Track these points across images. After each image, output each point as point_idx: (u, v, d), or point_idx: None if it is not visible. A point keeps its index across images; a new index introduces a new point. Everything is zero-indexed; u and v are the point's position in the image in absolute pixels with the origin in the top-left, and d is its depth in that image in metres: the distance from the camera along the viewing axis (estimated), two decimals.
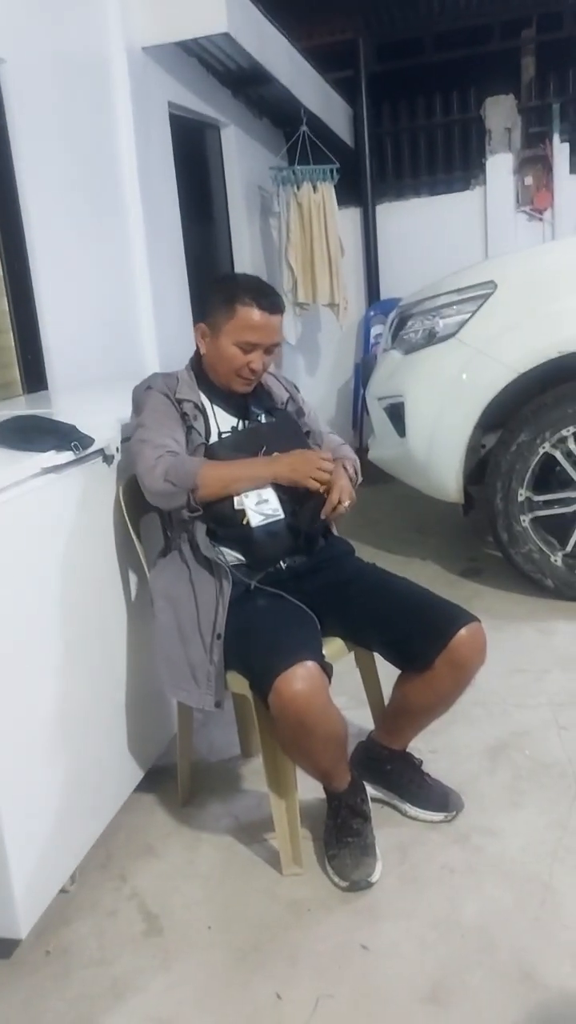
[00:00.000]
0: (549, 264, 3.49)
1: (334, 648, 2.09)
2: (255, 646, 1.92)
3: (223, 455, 2.08)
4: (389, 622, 2.05)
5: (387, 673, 2.16)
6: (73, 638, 1.99)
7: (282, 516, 2.07)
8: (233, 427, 2.19)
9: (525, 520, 3.37)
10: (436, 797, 2.21)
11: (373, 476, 3.61)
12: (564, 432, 3.27)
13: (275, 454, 2.08)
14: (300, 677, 1.79)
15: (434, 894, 1.94)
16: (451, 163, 6.40)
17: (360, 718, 2.42)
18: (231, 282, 2.20)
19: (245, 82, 4.82)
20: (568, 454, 3.30)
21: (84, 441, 2.00)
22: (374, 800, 2.16)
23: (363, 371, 6.02)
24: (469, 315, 3.38)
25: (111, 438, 2.17)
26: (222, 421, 2.18)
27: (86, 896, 2.05)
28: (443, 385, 3.41)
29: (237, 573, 2.07)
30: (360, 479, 2.25)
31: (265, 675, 1.82)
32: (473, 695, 2.38)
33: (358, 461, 2.29)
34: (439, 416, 3.42)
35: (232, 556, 2.11)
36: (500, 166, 6.12)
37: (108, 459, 2.16)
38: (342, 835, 2.04)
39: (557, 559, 3.38)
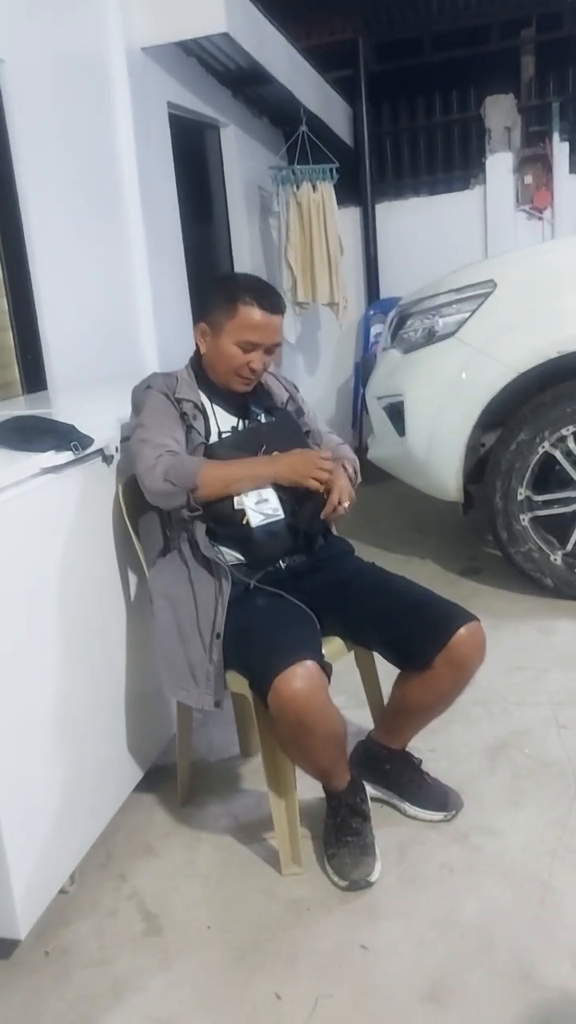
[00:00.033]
0: (549, 263, 3.49)
1: (333, 647, 2.09)
2: (254, 645, 1.92)
3: (223, 455, 2.08)
4: (388, 621, 2.05)
5: (386, 672, 2.16)
6: (72, 638, 1.99)
7: (282, 516, 2.07)
8: (233, 427, 2.19)
9: (525, 519, 3.37)
10: (435, 796, 2.21)
11: (372, 475, 3.60)
12: (564, 431, 3.27)
13: (275, 454, 2.08)
14: (299, 676, 1.79)
15: (433, 893, 1.94)
16: (451, 162, 6.40)
17: (359, 717, 2.42)
18: (232, 281, 2.20)
19: (245, 82, 4.81)
20: (568, 453, 3.30)
21: (83, 441, 2.00)
22: (373, 799, 2.16)
23: (363, 370, 6.02)
24: (469, 314, 3.38)
25: (110, 438, 2.17)
26: (222, 420, 2.18)
27: (86, 896, 2.05)
28: (443, 384, 3.41)
29: (236, 573, 2.07)
30: (359, 479, 2.25)
31: (264, 674, 1.82)
32: (472, 694, 2.38)
33: (357, 461, 2.29)
34: (439, 415, 3.42)
35: (231, 556, 2.11)
36: (500, 165, 6.11)
37: (107, 459, 2.16)
38: (341, 834, 2.04)
39: (557, 558, 3.38)
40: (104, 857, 2.18)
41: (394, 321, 3.82)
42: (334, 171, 5.39)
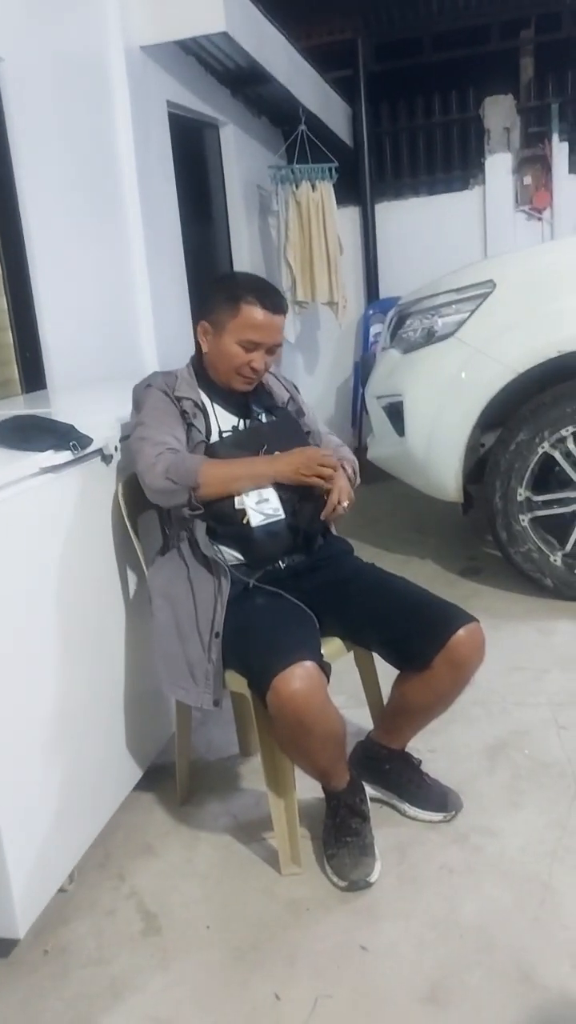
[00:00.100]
0: (548, 264, 3.49)
1: (333, 648, 2.09)
2: (253, 645, 1.91)
3: (224, 454, 2.08)
4: (388, 622, 2.05)
5: (386, 673, 2.16)
6: (71, 637, 1.98)
7: (283, 516, 2.06)
8: (234, 426, 2.18)
9: (524, 519, 3.37)
10: (435, 797, 2.21)
11: (372, 475, 3.61)
12: (563, 432, 3.27)
13: (276, 453, 2.08)
14: (298, 676, 1.79)
15: (433, 894, 1.94)
16: (450, 163, 6.40)
17: (359, 717, 2.41)
18: (235, 281, 2.20)
19: (244, 81, 4.81)
20: (567, 454, 3.30)
21: (82, 441, 2.00)
22: (373, 800, 2.16)
23: (362, 370, 6.03)
24: (468, 314, 3.38)
25: (109, 437, 2.17)
26: (222, 419, 2.18)
27: (84, 895, 2.05)
28: (442, 384, 3.41)
29: (236, 572, 2.07)
30: (359, 480, 2.25)
31: (263, 674, 1.82)
32: (472, 694, 2.38)
33: (357, 462, 2.29)
34: (438, 415, 3.42)
35: (231, 555, 2.11)
36: (499, 166, 6.12)
37: (107, 459, 2.16)
38: (341, 835, 2.04)
39: (556, 558, 3.38)
40: (103, 856, 2.17)
41: (393, 321, 3.82)
42: (333, 171, 5.40)
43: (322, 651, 1.97)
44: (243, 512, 2.04)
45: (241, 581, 2.07)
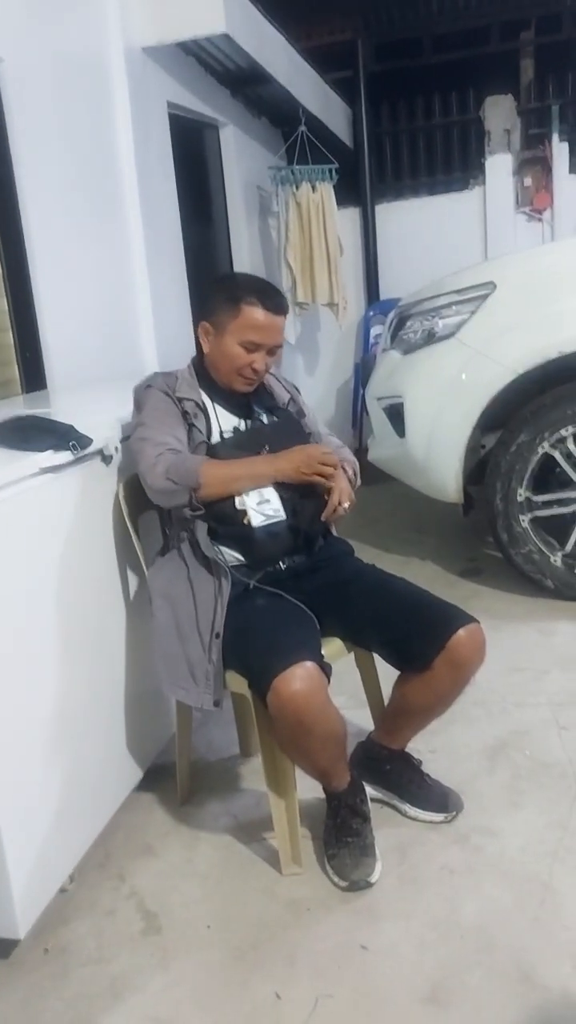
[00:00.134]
0: (548, 265, 3.49)
1: (333, 648, 2.09)
2: (254, 646, 1.91)
3: (225, 454, 2.08)
4: (388, 622, 2.05)
5: (386, 673, 2.16)
6: (72, 637, 1.98)
7: (283, 517, 2.06)
8: (235, 427, 2.18)
9: (525, 520, 3.37)
10: (435, 797, 2.21)
11: (372, 476, 3.60)
12: (563, 432, 3.27)
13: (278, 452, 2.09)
14: (298, 677, 1.79)
15: (433, 894, 1.94)
16: (450, 164, 6.41)
17: (359, 718, 2.41)
18: (236, 281, 2.20)
19: (244, 82, 4.82)
20: (567, 455, 3.30)
21: (82, 441, 2.00)
22: (373, 800, 2.16)
23: (362, 371, 6.03)
24: (468, 315, 3.38)
25: (109, 438, 2.17)
26: (223, 420, 2.18)
27: (84, 895, 2.05)
28: (442, 385, 3.41)
29: (236, 573, 2.07)
30: (359, 481, 2.25)
31: (264, 675, 1.82)
32: (473, 695, 2.38)
33: (357, 463, 2.29)
34: (438, 416, 3.42)
35: (231, 555, 2.11)
36: (499, 167, 6.12)
37: (107, 459, 2.16)
38: (341, 835, 2.03)
39: (557, 559, 3.38)
40: (103, 856, 2.17)
41: (394, 322, 3.82)
42: (333, 171, 5.40)
43: (322, 652, 1.97)
44: (244, 512, 2.04)
45: (241, 582, 2.07)
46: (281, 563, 2.13)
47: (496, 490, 3.38)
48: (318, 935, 1.86)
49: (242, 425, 2.19)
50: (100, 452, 2.13)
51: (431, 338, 3.49)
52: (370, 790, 2.16)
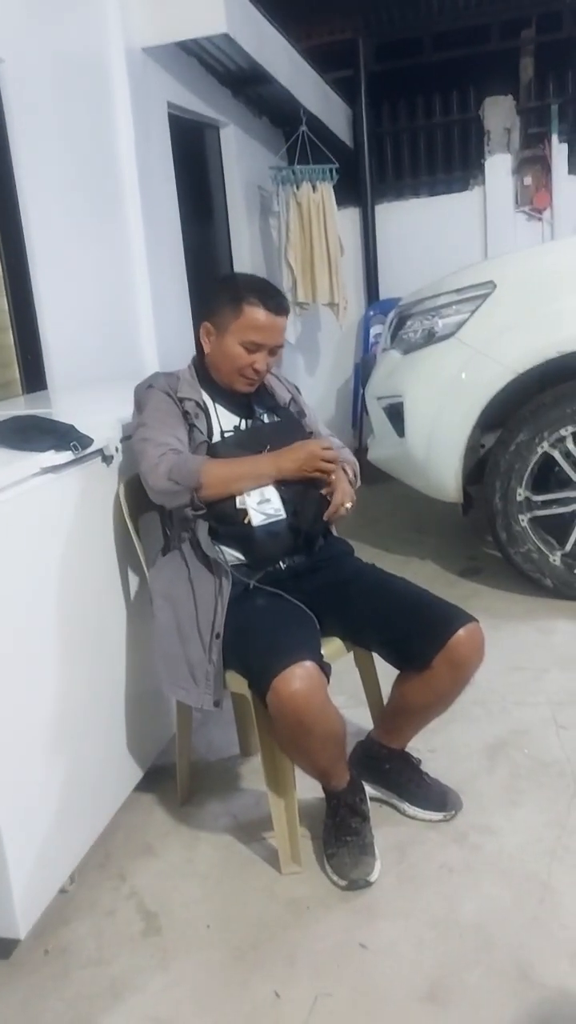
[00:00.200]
0: (548, 264, 3.49)
1: (333, 648, 2.09)
2: (254, 646, 1.92)
3: (226, 454, 2.09)
4: (388, 622, 2.05)
5: (386, 672, 2.16)
6: (72, 637, 1.99)
7: (284, 516, 2.06)
8: (236, 426, 2.19)
9: (524, 520, 3.37)
10: (435, 796, 2.21)
11: (372, 476, 3.61)
12: (563, 432, 3.27)
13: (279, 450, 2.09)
14: (298, 677, 1.79)
15: (432, 893, 1.95)
16: (450, 163, 6.41)
17: (359, 717, 2.42)
18: (238, 282, 2.20)
19: (244, 82, 4.81)
20: (567, 454, 3.30)
21: (83, 441, 2.00)
22: (373, 799, 2.16)
23: (362, 371, 6.03)
24: (468, 315, 3.38)
25: (110, 438, 2.17)
26: (224, 420, 2.18)
27: (85, 896, 2.05)
28: (442, 385, 3.41)
29: (236, 572, 2.07)
30: (359, 482, 2.25)
31: (263, 675, 1.82)
32: (472, 694, 2.38)
33: (357, 464, 2.30)
34: (438, 416, 3.42)
35: (232, 555, 2.11)
36: (499, 166, 6.12)
37: (107, 459, 2.16)
38: (341, 834, 2.04)
39: (556, 559, 3.38)
40: (103, 857, 2.18)
41: (394, 322, 3.83)
42: (334, 171, 5.40)
43: (322, 651, 1.97)
44: (244, 512, 2.04)
45: (242, 582, 2.07)
46: (281, 563, 2.13)
47: (495, 489, 3.39)
48: (317, 934, 1.86)
49: (243, 425, 2.20)
50: (101, 452, 2.14)
51: (431, 338, 3.49)
52: (369, 789, 2.16)
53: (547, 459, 3.34)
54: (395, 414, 3.62)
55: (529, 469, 3.33)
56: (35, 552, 1.86)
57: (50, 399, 2.97)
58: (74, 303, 3.38)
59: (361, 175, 6.27)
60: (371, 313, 6.24)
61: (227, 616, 2.00)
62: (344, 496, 2.09)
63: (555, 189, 6.03)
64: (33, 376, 3.25)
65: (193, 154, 4.67)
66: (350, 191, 6.14)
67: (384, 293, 6.39)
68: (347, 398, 6.55)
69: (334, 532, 2.32)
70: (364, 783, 2.13)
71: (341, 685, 2.05)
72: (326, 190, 5.39)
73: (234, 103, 5.03)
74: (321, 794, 2.10)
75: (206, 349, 2.18)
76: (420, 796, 2.21)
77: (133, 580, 2.30)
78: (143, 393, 2.17)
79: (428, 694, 2.05)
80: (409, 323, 3.64)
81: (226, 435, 2.16)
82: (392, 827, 2.17)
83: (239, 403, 2.21)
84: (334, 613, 2.11)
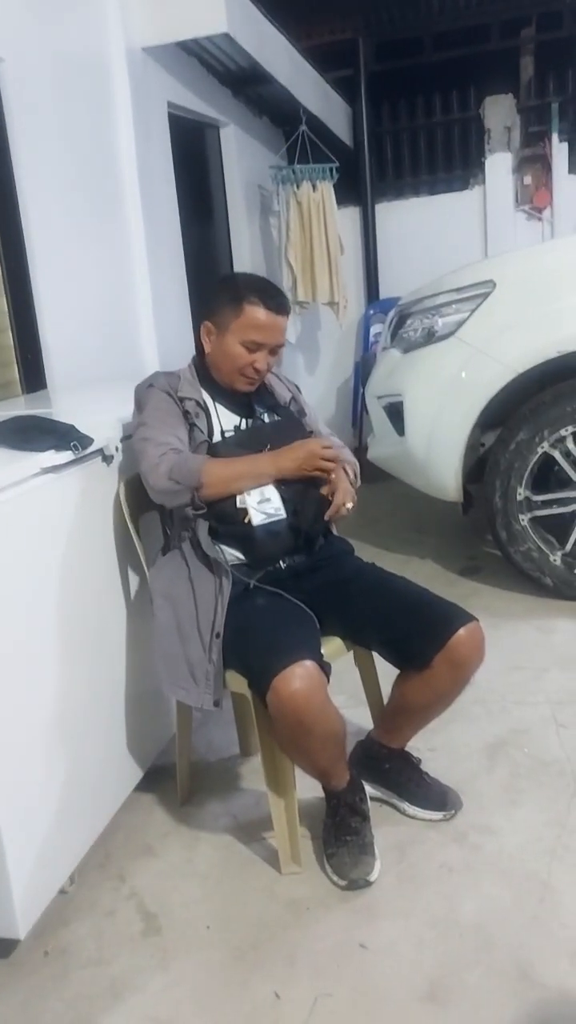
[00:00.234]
0: (548, 263, 3.49)
1: (333, 647, 2.09)
2: (254, 645, 1.92)
3: (226, 453, 2.09)
4: (388, 621, 2.05)
5: (386, 672, 2.16)
6: (72, 637, 1.99)
7: (284, 516, 2.06)
8: (236, 426, 2.19)
9: (524, 519, 3.37)
10: (435, 796, 2.21)
11: (372, 475, 3.60)
12: (563, 432, 3.27)
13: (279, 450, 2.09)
14: (298, 676, 1.79)
15: (432, 893, 1.95)
16: (450, 162, 6.40)
17: (359, 717, 2.42)
18: (239, 281, 2.20)
19: (245, 82, 4.81)
20: (567, 453, 3.30)
21: (83, 441, 2.00)
22: (373, 799, 2.16)
23: (362, 370, 6.03)
24: (468, 314, 3.38)
25: (110, 438, 2.17)
26: (225, 419, 2.18)
27: (85, 896, 2.06)
28: (442, 384, 3.41)
29: (236, 572, 2.07)
30: (359, 482, 2.25)
31: (263, 674, 1.83)
32: (472, 693, 2.38)
33: (357, 465, 2.30)
34: (438, 415, 3.42)
35: (232, 555, 2.11)
36: (499, 165, 6.12)
37: (107, 459, 2.16)
38: (341, 834, 2.04)
39: (556, 558, 3.38)
40: (103, 857, 2.18)
41: (394, 321, 3.83)
42: (334, 171, 5.40)
43: (322, 651, 1.97)
44: (244, 511, 2.04)
45: (242, 581, 2.07)
46: (281, 562, 2.13)
47: (495, 488, 3.39)
48: (317, 934, 1.86)
49: (243, 424, 2.20)
50: (101, 452, 2.14)
51: (431, 337, 3.49)
52: (369, 789, 2.16)
53: (547, 458, 3.34)
54: (395, 413, 3.62)
55: (529, 469, 3.33)
56: (35, 552, 1.86)
57: (50, 399, 2.97)
58: (74, 303, 3.38)
59: (361, 174, 6.27)
60: (371, 312, 6.24)
61: (227, 615, 2.00)
62: (345, 496, 2.09)
63: (555, 188, 6.02)
64: (33, 376, 3.25)
65: (193, 154, 4.67)
66: (350, 190, 6.13)
67: (384, 292, 6.38)
68: (347, 397, 6.55)
69: (334, 531, 2.32)
70: (364, 783, 2.13)
71: (341, 685, 2.05)
72: (326, 189, 5.39)
73: (234, 103, 5.03)
74: (321, 794, 2.10)
75: (207, 348, 2.18)
76: (420, 796, 2.21)
77: (133, 580, 2.30)
78: (143, 392, 2.17)
79: (428, 693, 2.05)
80: (409, 322, 3.64)
81: (226, 434, 2.16)
82: (392, 827, 2.17)
83: (239, 402, 2.20)
84: (334, 612, 2.11)
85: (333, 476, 2.08)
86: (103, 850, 2.19)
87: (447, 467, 3.46)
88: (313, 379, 6.50)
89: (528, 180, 6.08)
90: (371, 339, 6.09)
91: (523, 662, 2.98)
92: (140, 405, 2.15)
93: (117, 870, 2.14)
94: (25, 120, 3.07)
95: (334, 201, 5.48)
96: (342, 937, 1.84)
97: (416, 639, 1.99)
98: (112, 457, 2.17)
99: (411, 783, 2.22)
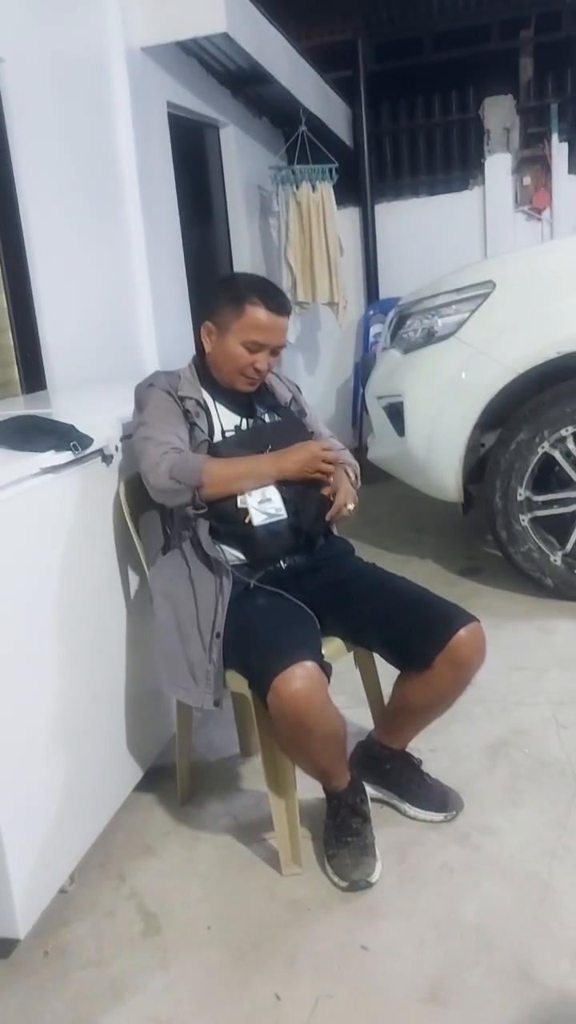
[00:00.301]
0: (548, 264, 3.49)
1: (333, 648, 2.09)
2: (254, 645, 1.92)
3: (227, 453, 2.08)
4: (388, 622, 2.05)
5: (386, 672, 2.16)
6: (72, 637, 1.99)
7: (285, 516, 2.06)
8: (236, 426, 2.19)
9: (524, 519, 3.37)
10: (435, 796, 2.21)
11: (372, 475, 3.60)
12: (563, 432, 3.27)
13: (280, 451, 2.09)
14: (299, 677, 1.79)
15: (433, 893, 1.94)
16: (450, 163, 6.41)
17: (359, 717, 2.42)
18: (239, 281, 2.19)
19: (244, 82, 4.82)
20: (567, 454, 3.30)
21: (83, 441, 2.00)
22: (373, 800, 2.16)
23: (362, 370, 6.03)
24: (468, 314, 3.38)
25: (110, 438, 2.17)
26: (225, 419, 2.18)
27: (85, 896, 2.05)
28: (442, 384, 3.41)
29: (237, 572, 2.07)
30: (359, 484, 2.25)
31: (264, 674, 1.82)
32: (472, 694, 2.37)
33: (358, 466, 2.30)
34: (438, 415, 3.42)
35: (232, 555, 2.11)
36: (499, 166, 6.13)
37: (107, 459, 2.16)
38: (341, 835, 2.04)
39: (556, 558, 3.38)
40: (103, 857, 2.17)
41: (394, 321, 3.82)
42: (333, 171, 5.41)
43: (323, 651, 1.97)
44: (245, 511, 2.04)
45: (242, 581, 2.07)
46: (282, 562, 2.13)
47: (496, 488, 3.39)
48: (318, 935, 1.86)
49: (244, 424, 2.20)
50: (101, 452, 2.13)
51: (431, 337, 3.49)
52: (370, 790, 2.16)
53: (547, 459, 3.34)
54: (395, 413, 3.62)
55: (529, 469, 3.33)
56: (35, 552, 1.86)
57: (50, 399, 2.97)
58: (74, 303, 3.38)
59: (361, 175, 6.28)
60: (371, 312, 6.24)
61: (227, 615, 2.00)
62: (347, 497, 2.09)
63: (555, 189, 6.03)
64: (33, 376, 3.24)
65: (193, 154, 4.67)
66: (350, 191, 6.14)
67: (384, 292, 6.39)
68: (347, 397, 6.55)
69: (335, 532, 2.32)
70: (365, 783, 2.13)
71: (341, 685, 2.04)
72: (326, 190, 5.39)
73: (234, 103, 5.03)
74: (321, 794, 2.10)
75: (207, 349, 2.17)
76: (421, 796, 2.20)
77: (133, 579, 2.29)
78: (144, 392, 2.16)
79: (429, 694, 2.05)
80: (409, 322, 3.64)
81: (227, 434, 2.15)
82: (393, 828, 2.17)
83: (240, 402, 2.20)
84: (335, 613, 2.11)
85: (333, 478, 2.08)
86: (103, 850, 2.18)
87: (447, 467, 3.46)
88: (313, 379, 6.50)
89: (527, 181, 6.09)
90: (371, 339, 6.10)
91: (524, 662, 2.98)
92: (140, 404, 2.15)
93: (117, 870, 2.14)
94: (25, 120, 3.07)
95: (334, 201, 5.49)
96: (343, 938, 1.84)
97: (417, 639, 1.98)
98: (112, 457, 2.17)
99: (412, 784, 2.22)
